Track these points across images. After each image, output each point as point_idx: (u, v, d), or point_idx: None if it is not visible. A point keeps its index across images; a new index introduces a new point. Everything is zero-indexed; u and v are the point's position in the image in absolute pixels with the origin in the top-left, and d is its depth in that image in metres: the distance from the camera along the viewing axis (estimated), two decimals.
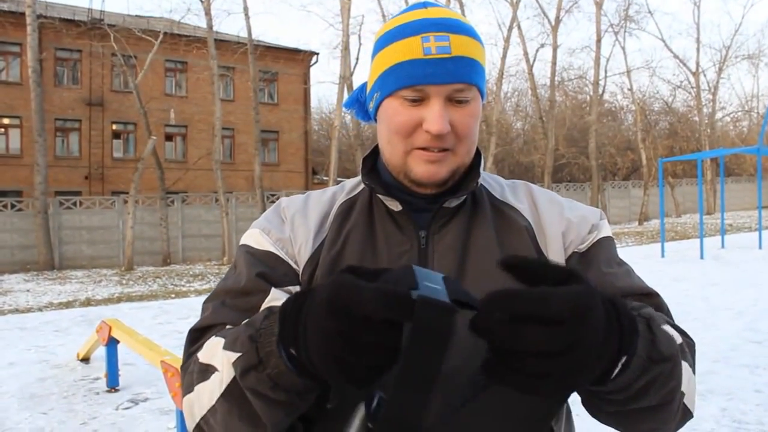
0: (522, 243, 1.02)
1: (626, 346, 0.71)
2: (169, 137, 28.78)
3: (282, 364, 0.74)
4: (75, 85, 26.77)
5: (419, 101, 0.96)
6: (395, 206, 1.03)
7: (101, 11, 25.51)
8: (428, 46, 0.95)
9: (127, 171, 24.45)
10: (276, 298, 0.96)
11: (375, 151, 1.11)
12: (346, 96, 23.48)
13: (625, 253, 17.03)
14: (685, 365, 0.84)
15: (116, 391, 5.69)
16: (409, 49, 0.96)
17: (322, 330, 0.65)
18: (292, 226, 1.05)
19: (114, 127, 27.72)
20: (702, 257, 14.91)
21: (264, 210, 21.56)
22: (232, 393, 0.81)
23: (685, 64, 37.89)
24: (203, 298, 11.24)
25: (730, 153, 24.61)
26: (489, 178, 1.13)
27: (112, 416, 5.06)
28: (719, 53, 39.58)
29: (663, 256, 15.62)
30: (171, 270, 18.33)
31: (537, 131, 30.59)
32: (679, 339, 0.86)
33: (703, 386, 5.17)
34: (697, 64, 37.44)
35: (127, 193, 20.02)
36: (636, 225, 29.16)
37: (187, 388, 0.89)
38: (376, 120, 1.05)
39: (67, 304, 11.69)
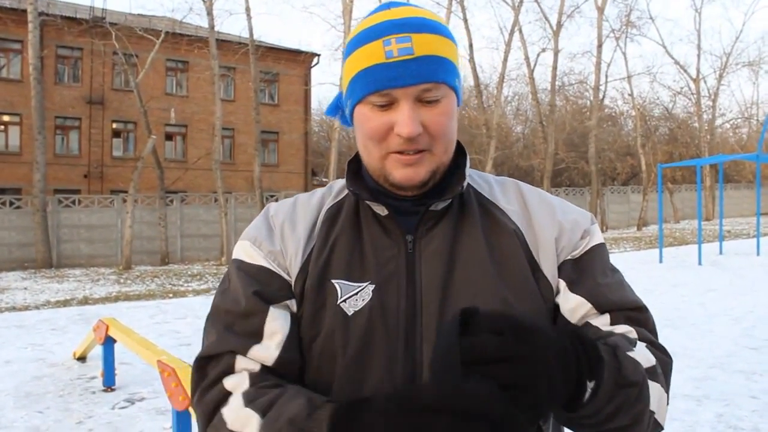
0: (511, 248, 1.01)
1: (593, 373, 0.79)
2: (169, 136, 28.80)
3: None
4: (76, 83, 26.78)
5: (388, 105, 0.95)
6: (381, 211, 1.01)
7: (103, 9, 25.52)
8: (390, 49, 0.93)
9: (127, 170, 24.46)
10: (275, 317, 0.97)
11: (359, 155, 1.09)
12: None
13: (623, 258, 17.05)
14: (654, 386, 0.89)
15: (112, 390, 5.68)
16: (372, 53, 0.94)
17: None
18: (281, 236, 1.04)
19: (114, 125, 27.74)
20: (700, 263, 14.91)
21: None
22: None
23: (685, 71, 37.92)
24: (201, 298, 11.23)
25: (729, 159, 24.58)
26: (477, 177, 1.11)
27: (108, 415, 5.05)
28: (720, 60, 39.59)
29: (661, 261, 15.63)
30: (169, 270, 18.32)
31: (537, 135, 30.61)
32: (648, 362, 0.90)
33: (700, 392, 5.18)
34: (698, 70, 37.48)
35: (126, 192, 20.02)
36: (634, 230, 29.18)
37: None
38: (352, 125, 1.04)
39: (65, 303, 11.69)
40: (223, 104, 22.35)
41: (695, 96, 37.45)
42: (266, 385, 0.92)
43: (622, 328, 0.96)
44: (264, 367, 0.95)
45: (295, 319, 0.99)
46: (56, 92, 25.71)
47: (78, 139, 27.02)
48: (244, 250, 1.04)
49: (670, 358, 0.97)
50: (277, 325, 0.97)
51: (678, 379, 5.47)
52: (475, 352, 0.70)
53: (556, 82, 30.64)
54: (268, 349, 0.95)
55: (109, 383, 5.73)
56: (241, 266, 1.03)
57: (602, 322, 0.97)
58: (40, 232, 18.92)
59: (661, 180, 16.83)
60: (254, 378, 0.93)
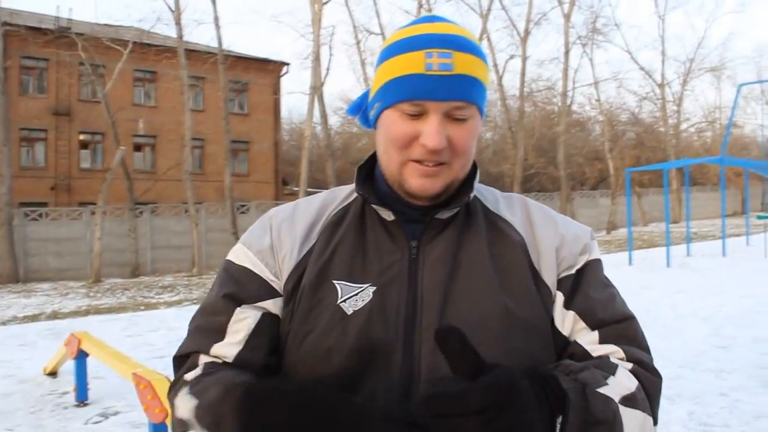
0: (514, 257, 1.03)
1: (558, 410, 0.80)
2: (137, 147, 28.50)
3: None
4: (41, 94, 26.38)
5: (418, 115, 0.97)
6: (388, 216, 1.04)
7: (68, 20, 25.20)
8: (431, 62, 0.95)
9: (95, 182, 24.11)
10: (240, 318, 1.01)
11: (371, 160, 1.12)
12: (317, 106, 23.51)
13: None
14: (633, 413, 0.89)
15: (85, 405, 5.60)
16: (412, 63, 0.96)
17: None
18: (278, 234, 1.07)
19: (81, 137, 27.36)
20: (668, 265, 15.18)
21: (234, 221, 21.54)
22: None
23: (651, 76, 38.67)
24: (173, 310, 11.13)
25: (694, 163, 25.09)
26: (484, 190, 1.14)
27: (82, 431, 4.98)
28: (683, 66, 40.38)
29: (631, 264, 15.86)
30: (140, 282, 18.10)
31: (506, 141, 30.87)
32: (626, 389, 0.91)
33: (671, 390, 5.27)
34: (663, 76, 38.27)
35: (95, 204, 19.72)
36: (604, 234, 29.55)
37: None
38: (375, 128, 1.06)
39: (33, 318, 11.48)
40: (192, 114, 22.19)
41: (661, 101, 38.22)
42: (212, 371, 0.97)
43: (608, 348, 0.98)
44: (224, 363, 0.99)
45: (269, 319, 1.02)
46: (21, 103, 25.27)
47: (44, 151, 26.59)
48: (236, 252, 1.08)
49: (659, 376, 0.98)
50: (242, 324, 1.00)
51: None
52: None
53: (525, 89, 31.01)
54: (228, 346, 1.00)
55: (81, 398, 5.65)
56: (227, 267, 1.07)
57: (591, 339, 1.00)
58: (6, 246, 18.55)
59: (629, 184, 17.10)
60: (206, 367, 0.98)
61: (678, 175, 34.51)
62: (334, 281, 1.01)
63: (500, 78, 30.36)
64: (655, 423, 0.94)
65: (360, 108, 1.12)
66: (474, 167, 1.08)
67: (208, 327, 1.02)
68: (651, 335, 7.45)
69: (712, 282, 12.16)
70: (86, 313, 11.91)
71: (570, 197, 30.79)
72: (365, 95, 1.11)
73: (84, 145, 27.63)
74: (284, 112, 41.42)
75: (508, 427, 0.71)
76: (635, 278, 13.14)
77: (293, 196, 29.74)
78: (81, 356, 5.65)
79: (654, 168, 21.75)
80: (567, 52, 30.47)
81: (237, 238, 19.23)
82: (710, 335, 7.52)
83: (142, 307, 12.34)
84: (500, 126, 39.30)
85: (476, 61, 0.99)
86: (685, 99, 41.06)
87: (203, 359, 1.00)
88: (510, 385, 0.73)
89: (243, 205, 23.68)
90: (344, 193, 1.13)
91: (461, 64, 0.96)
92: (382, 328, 0.97)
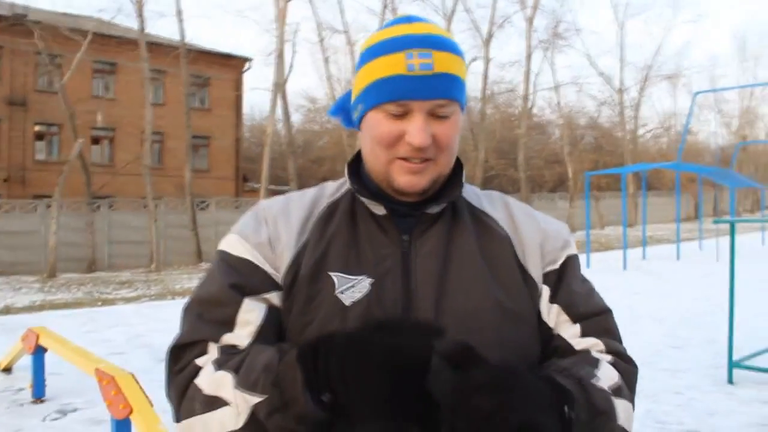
0: (502, 251, 1.07)
1: (569, 407, 0.84)
2: (95, 140, 27.95)
3: (309, 405, 0.84)
4: None
5: (402, 115, 1.00)
6: (379, 210, 1.06)
7: (24, 7, 24.53)
8: (412, 63, 0.98)
9: (51, 174, 23.54)
10: (249, 309, 1.00)
11: (358, 157, 1.14)
12: (279, 103, 23.37)
13: None
14: (621, 403, 0.96)
15: (42, 402, 5.47)
16: (394, 64, 0.99)
17: (369, 388, 0.78)
18: (275, 227, 1.07)
19: (37, 128, 26.71)
20: (625, 268, 15.52)
21: (194, 217, 21.29)
22: (251, 427, 0.90)
23: (609, 82, 39.39)
24: (133, 306, 10.95)
25: (651, 168, 25.66)
26: (465, 187, 1.16)
27: (39, 428, 4.88)
28: (641, 72, 41.25)
29: (588, 266, 16.13)
30: (96, 277, 17.75)
31: (467, 143, 31.16)
32: (612, 380, 0.97)
33: None
34: (621, 82, 39.01)
35: (51, 197, 19.27)
36: None
37: (188, 413, 0.95)
38: (359, 128, 1.09)
39: None
40: (152, 108, 21.83)
41: (619, 106, 38.96)
42: (234, 353, 0.97)
43: (589, 342, 1.05)
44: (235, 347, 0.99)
45: (275, 312, 1.02)
46: None
47: None
48: (231, 243, 1.08)
49: (635, 366, 1.06)
50: (251, 316, 1.00)
51: None
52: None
53: (487, 91, 31.28)
54: (239, 338, 0.98)
55: (38, 395, 5.52)
56: (225, 257, 1.06)
57: (573, 332, 1.05)
58: None
59: (588, 187, 17.40)
60: (223, 349, 0.98)
61: (635, 180, 35.25)
62: (331, 273, 1.02)
63: None
64: (633, 410, 1.01)
65: (342, 109, 1.14)
66: (459, 164, 1.11)
67: (213, 317, 1.00)
68: None
69: (667, 284, 12.49)
70: (41, 308, 11.64)
71: (529, 199, 31.16)
72: (347, 97, 1.13)
73: (39, 136, 26.97)
74: (246, 109, 41.00)
75: (522, 394, 0.76)
76: (593, 280, 12.90)
77: (254, 193, 29.51)
78: (39, 352, 5.52)
79: (612, 172, 22.19)
80: (529, 56, 30.87)
81: (196, 235, 18.79)
82: (665, 336, 7.72)
83: (100, 303, 12.11)
84: (462, 128, 39.60)
85: (455, 58, 1.01)
86: (642, 105, 41.94)
87: (212, 348, 0.98)
88: (512, 369, 0.79)
89: (203, 201, 23.41)
90: (332, 189, 1.15)
91: (441, 62, 0.99)
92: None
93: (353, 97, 1.09)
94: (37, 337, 5.49)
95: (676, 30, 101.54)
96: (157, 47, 24.25)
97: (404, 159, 1.01)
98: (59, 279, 17.27)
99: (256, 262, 1.04)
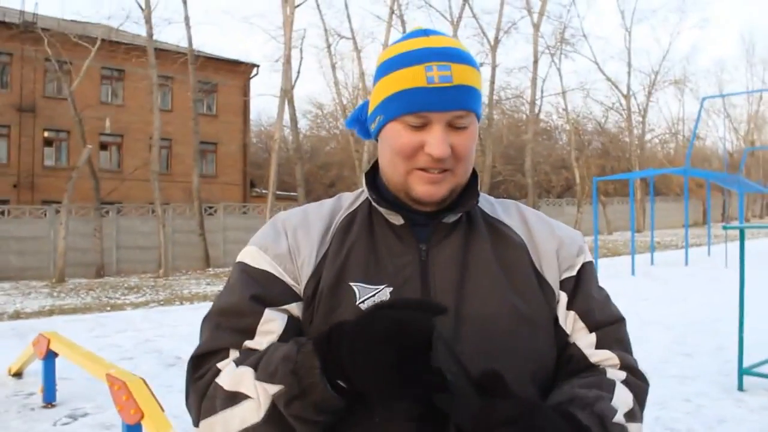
0: (518, 258, 1.09)
1: None
2: (104, 146, 28.07)
3: (327, 392, 0.87)
4: (4, 90, 25.85)
5: (422, 126, 1.02)
6: (397, 220, 1.08)
7: (34, 14, 24.71)
8: (431, 75, 1.00)
9: (59, 180, 23.65)
10: (270, 319, 1.01)
11: (375, 167, 1.15)
12: (287, 109, 23.40)
13: None
14: (634, 427, 0.99)
15: (53, 406, 5.51)
16: (413, 77, 1.01)
17: (376, 362, 0.80)
18: (295, 239, 1.09)
19: (46, 134, 26.86)
20: (633, 273, 15.46)
21: (201, 222, 21.35)
22: (272, 419, 0.92)
23: (617, 87, 39.33)
24: (141, 311, 11.01)
25: (659, 173, 25.60)
26: (481, 197, 1.18)
27: None
28: (648, 77, 41.19)
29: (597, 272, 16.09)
30: (105, 282, 17.82)
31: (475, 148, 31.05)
32: (627, 406, 0.99)
33: None
34: (629, 87, 38.98)
35: (59, 202, 19.37)
36: None
37: (208, 412, 0.97)
38: (377, 139, 1.11)
39: None
40: (160, 114, 21.93)
41: (626, 112, 38.90)
42: (253, 351, 0.99)
43: (603, 355, 1.07)
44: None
45: (296, 323, 1.04)
46: None
47: (7, 148, 26.03)
48: (250, 254, 1.09)
49: (647, 382, 1.08)
50: (272, 326, 1.01)
51: None
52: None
53: (494, 96, 31.28)
54: (260, 345, 1.00)
55: (49, 399, 5.56)
56: (245, 269, 1.08)
57: (589, 342, 1.08)
58: None
59: (596, 193, 17.37)
60: (244, 351, 1.00)
61: (642, 185, 35.17)
62: (351, 283, 1.04)
63: None
64: (642, 427, 1.04)
65: (357, 121, 1.16)
66: (474, 173, 1.13)
67: (235, 327, 1.02)
68: None
69: (675, 290, 12.44)
70: (50, 313, 11.70)
71: (537, 205, 31.10)
72: (362, 108, 1.15)
73: (48, 142, 27.12)
74: (253, 114, 41.13)
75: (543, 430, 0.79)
76: (601, 286, 13.32)
77: (261, 198, 29.58)
78: (50, 356, 5.56)
79: (620, 177, 22.12)
80: (536, 61, 30.82)
81: (204, 240, 18.78)
82: (674, 342, 7.70)
83: (108, 308, 12.16)
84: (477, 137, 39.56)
85: (472, 70, 1.04)
86: (649, 110, 41.89)
87: (234, 352, 1.00)
88: (536, 404, 0.83)
89: (210, 207, 23.48)
90: (350, 200, 1.17)
91: (459, 75, 1.01)
92: None
93: (370, 109, 1.10)
94: (48, 342, 5.53)
95: (683, 35, 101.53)
96: (165, 54, 24.37)
97: (423, 169, 1.03)
98: (68, 284, 17.35)
99: (276, 273, 1.06)
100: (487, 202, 1.18)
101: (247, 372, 0.94)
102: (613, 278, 14.75)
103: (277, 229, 1.11)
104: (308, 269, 1.06)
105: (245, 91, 31.83)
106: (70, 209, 19.45)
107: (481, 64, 30.62)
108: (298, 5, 22.65)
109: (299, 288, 1.06)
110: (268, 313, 1.02)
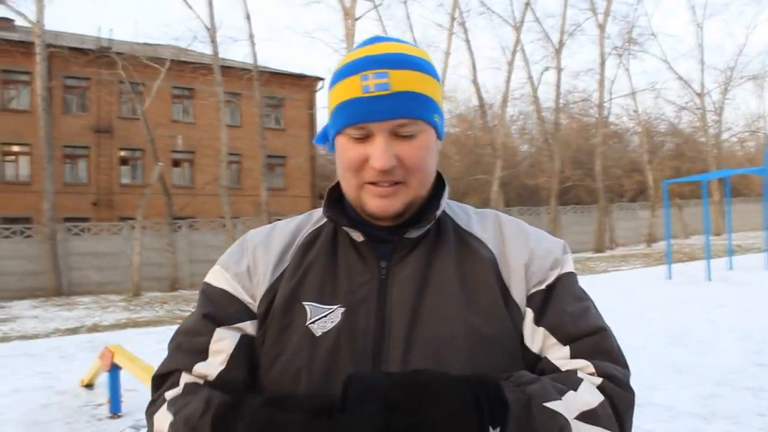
0: (483, 274, 1.02)
1: (496, 419, 0.83)
2: (176, 163, 29.06)
3: None
4: (83, 113, 27.12)
5: (364, 138, 0.98)
6: (357, 237, 1.05)
7: (109, 40, 25.86)
8: (366, 84, 0.97)
9: (135, 197, 24.58)
10: (221, 338, 1.02)
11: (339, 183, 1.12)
12: None
13: (631, 275, 16.99)
14: (592, 429, 0.88)
15: (119, 417, 5.70)
16: (351, 87, 0.98)
17: None
18: (253, 257, 1.08)
19: (121, 153, 28.05)
20: (709, 279, 14.82)
21: None
22: None
23: (689, 86, 37.96)
24: None
25: (735, 174, 24.56)
26: (456, 208, 1.13)
27: None
28: (723, 74, 39.58)
29: (670, 278, 15.55)
30: (178, 295, 18.37)
31: (543, 154, 30.61)
32: (586, 405, 0.89)
33: (706, 409, 5.15)
34: (702, 85, 37.51)
35: (135, 218, 20.13)
36: (643, 247, 29.07)
37: None
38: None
39: (74, 330, 11.74)
40: (228, 130, 22.53)
41: (700, 111, 37.46)
42: (193, 390, 0.98)
43: (578, 363, 0.97)
44: (206, 382, 1.01)
45: (248, 340, 1.03)
46: (64, 122, 26.02)
47: (86, 168, 27.31)
48: (213, 274, 1.10)
49: (631, 391, 0.96)
50: (222, 345, 1.01)
51: (684, 397, 5.46)
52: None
53: (560, 100, 30.77)
54: (211, 366, 1.00)
55: (115, 410, 5.76)
56: (205, 289, 1.09)
57: (562, 354, 0.98)
58: (50, 260, 19.04)
59: (667, 196, 16.82)
60: (188, 387, 0.99)
61: (720, 186, 33.80)
62: (304, 303, 1.02)
63: (535, 90, 30.17)
64: None
65: (325, 137, 1.11)
66: (442, 183, 1.09)
67: (189, 347, 1.02)
68: (687, 351, 7.32)
69: (753, 297, 11.83)
70: (125, 326, 12.14)
71: (608, 210, 30.34)
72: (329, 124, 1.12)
73: (124, 161, 28.29)
74: (319, 127, 41.67)
75: (416, 423, 0.78)
76: (673, 292, 12.88)
77: None
78: (114, 369, 5.76)
79: (692, 179, 21.35)
80: (602, 63, 30.15)
81: None
82: (749, 352, 7.31)
83: (179, 321, 12.50)
84: (536, 138, 39.05)
85: (416, 75, 0.99)
86: (726, 108, 40.20)
87: (185, 378, 1.01)
88: (426, 384, 0.81)
89: (279, 219, 23.85)
90: (318, 215, 1.14)
91: (398, 81, 0.97)
92: (350, 349, 0.97)
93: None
94: (113, 355, 5.72)
95: (759, 28, 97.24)
96: (231, 71, 25.05)
97: (373, 183, 0.99)
98: (143, 297, 17.97)
99: (233, 292, 1.06)
100: (463, 213, 1.12)
101: (168, 419, 0.96)
102: (687, 284, 14.21)
103: (242, 248, 1.11)
104: (263, 287, 1.05)
105: (311, 104, 32.37)
106: (144, 225, 20.17)
107: (546, 68, 30.27)
108: (359, 17, 22.93)
109: (255, 306, 1.05)
110: (219, 332, 1.02)
